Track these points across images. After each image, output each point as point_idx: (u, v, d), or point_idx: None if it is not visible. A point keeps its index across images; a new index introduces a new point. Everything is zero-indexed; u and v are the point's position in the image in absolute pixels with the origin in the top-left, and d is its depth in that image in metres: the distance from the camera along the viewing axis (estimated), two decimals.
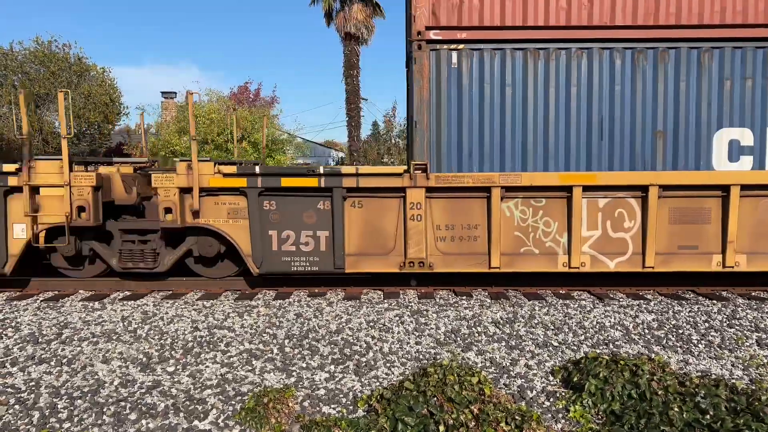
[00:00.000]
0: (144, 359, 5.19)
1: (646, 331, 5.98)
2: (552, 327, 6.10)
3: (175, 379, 4.74)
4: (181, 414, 4.15)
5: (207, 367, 5.01)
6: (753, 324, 6.16)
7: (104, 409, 4.20)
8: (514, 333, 5.91)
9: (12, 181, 7.30)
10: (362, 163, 28.38)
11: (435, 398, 4.06)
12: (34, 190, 7.34)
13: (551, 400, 4.40)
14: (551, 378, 4.79)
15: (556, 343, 5.59)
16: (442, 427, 3.77)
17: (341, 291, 7.84)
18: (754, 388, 4.39)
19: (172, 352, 5.36)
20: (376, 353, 5.35)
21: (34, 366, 5.05)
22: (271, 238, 7.38)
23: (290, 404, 4.30)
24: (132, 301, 7.29)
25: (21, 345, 5.58)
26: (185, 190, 7.31)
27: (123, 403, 4.29)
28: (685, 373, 4.70)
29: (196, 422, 4.05)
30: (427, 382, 4.30)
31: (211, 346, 5.54)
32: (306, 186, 7.25)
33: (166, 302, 7.23)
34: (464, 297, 7.44)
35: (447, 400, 4.02)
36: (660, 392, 4.16)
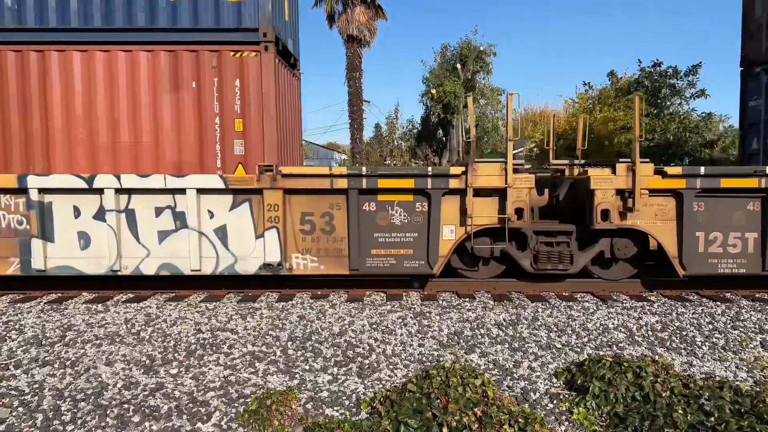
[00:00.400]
0: (147, 361, 5.20)
1: (650, 332, 5.96)
2: (555, 329, 6.08)
3: (178, 382, 4.75)
4: (185, 416, 4.15)
5: (210, 369, 5.02)
6: (757, 326, 6.14)
7: (108, 412, 4.21)
8: (518, 335, 5.90)
9: (453, 183, 7.28)
10: (365, 165, 28.34)
11: (438, 400, 4.05)
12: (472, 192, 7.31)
13: (555, 402, 4.39)
14: (555, 380, 4.78)
15: (559, 345, 5.58)
16: (445, 430, 3.77)
17: (344, 293, 7.84)
18: (758, 390, 4.38)
19: (175, 355, 5.37)
20: (379, 355, 5.35)
21: (37, 368, 5.06)
22: (698, 239, 7.34)
23: (293, 406, 4.30)
24: (135, 303, 7.31)
25: (25, 347, 5.60)
26: (618, 191, 7.30)
27: (126, 406, 4.30)
28: (689, 375, 4.68)
29: (199, 424, 4.05)
30: (430, 384, 4.30)
31: (214, 348, 5.55)
32: (744, 187, 7.20)
33: (169, 304, 7.24)
34: (467, 299, 7.44)
35: (450, 402, 4.02)
36: (664, 394, 4.15)
